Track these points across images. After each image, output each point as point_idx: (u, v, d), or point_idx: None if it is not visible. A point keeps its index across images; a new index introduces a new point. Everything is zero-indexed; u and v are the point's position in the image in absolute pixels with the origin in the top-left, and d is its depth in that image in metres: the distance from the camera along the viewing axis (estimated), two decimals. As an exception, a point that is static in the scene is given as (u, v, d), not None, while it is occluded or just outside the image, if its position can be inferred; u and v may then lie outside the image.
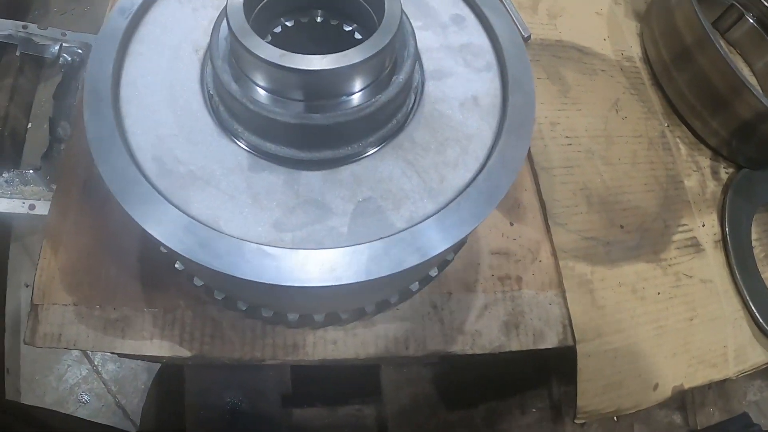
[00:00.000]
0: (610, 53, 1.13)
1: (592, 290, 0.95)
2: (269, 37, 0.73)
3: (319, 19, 0.74)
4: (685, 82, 1.12)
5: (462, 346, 0.86)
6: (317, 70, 0.58)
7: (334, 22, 0.74)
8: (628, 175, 1.03)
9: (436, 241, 0.62)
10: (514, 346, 0.88)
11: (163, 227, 0.59)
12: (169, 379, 1.23)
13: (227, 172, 0.64)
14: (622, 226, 1.00)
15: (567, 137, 1.01)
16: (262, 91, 0.62)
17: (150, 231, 0.59)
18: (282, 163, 0.65)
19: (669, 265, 1.01)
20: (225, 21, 0.62)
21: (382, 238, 0.62)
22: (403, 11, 0.63)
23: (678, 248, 1.03)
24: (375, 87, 0.64)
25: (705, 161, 1.13)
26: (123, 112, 0.67)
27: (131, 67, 0.70)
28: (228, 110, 0.66)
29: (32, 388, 1.31)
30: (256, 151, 0.65)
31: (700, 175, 1.10)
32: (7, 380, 1.30)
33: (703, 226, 1.06)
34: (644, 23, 1.19)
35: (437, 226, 0.63)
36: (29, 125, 1.40)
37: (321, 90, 0.61)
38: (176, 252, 0.58)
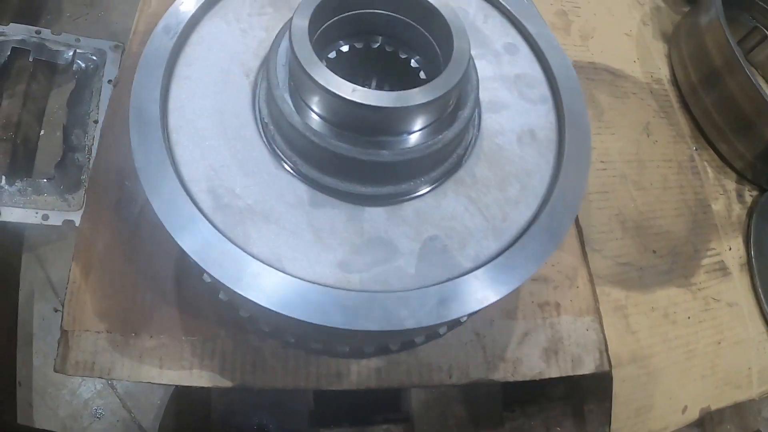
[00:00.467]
0: (640, 75, 1.12)
1: (627, 315, 0.94)
2: (324, 62, 0.70)
3: (375, 45, 0.71)
4: (712, 104, 1.11)
5: (504, 373, 0.85)
6: (391, 108, 0.55)
7: (389, 49, 0.71)
8: (659, 200, 1.02)
9: (503, 282, 0.61)
10: (554, 372, 0.87)
11: (226, 270, 0.56)
12: (188, 396, 1.20)
13: (288, 208, 0.61)
14: (654, 251, 0.99)
15: (602, 162, 1.00)
16: (326, 124, 0.59)
17: (213, 274, 0.55)
18: (343, 197, 0.63)
19: (698, 289, 1.01)
20: (288, 48, 0.60)
21: (450, 279, 0.60)
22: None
23: (707, 272, 1.03)
24: (441, 123, 0.62)
25: (731, 184, 1.13)
26: (173, 139, 0.63)
27: (179, 92, 0.67)
28: (286, 141, 0.63)
29: (45, 402, 1.27)
30: (316, 185, 0.63)
31: (727, 199, 1.10)
32: (19, 393, 1.25)
33: (730, 249, 1.06)
34: (672, 45, 1.19)
35: (504, 267, 0.62)
36: (42, 132, 1.34)
37: (390, 126, 0.59)
38: (241, 296, 0.55)
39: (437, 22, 0.62)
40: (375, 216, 0.62)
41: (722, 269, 1.05)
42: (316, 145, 0.59)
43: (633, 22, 1.19)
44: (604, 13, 1.18)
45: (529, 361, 0.87)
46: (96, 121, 1.31)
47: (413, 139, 0.61)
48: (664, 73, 1.16)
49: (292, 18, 0.58)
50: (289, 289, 0.56)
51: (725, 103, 1.09)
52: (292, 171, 0.63)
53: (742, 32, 1.31)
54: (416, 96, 0.56)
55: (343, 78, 0.57)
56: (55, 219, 1.27)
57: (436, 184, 0.66)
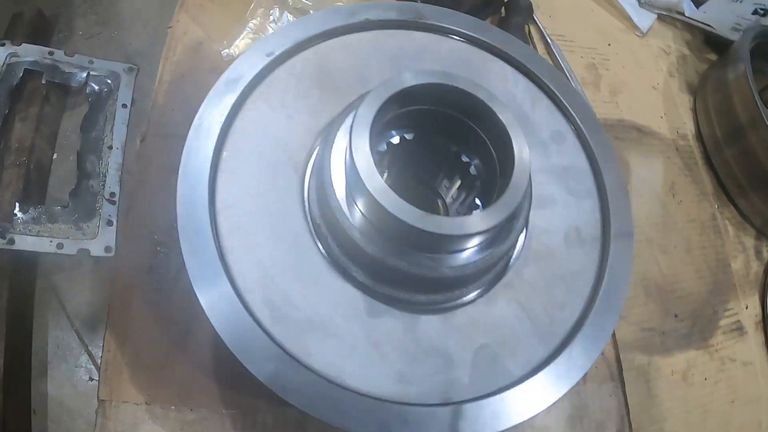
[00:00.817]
0: (667, 131, 1.13)
1: (648, 380, 0.97)
2: (375, 156, 0.69)
3: (425, 137, 0.70)
4: (733, 159, 1.12)
5: (531, 442, 0.87)
6: (456, 235, 0.55)
7: (439, 141, 0.71)
8: (682, 263, 1.04)
9: (551, 392, 0.62)
10: (578, 439, 0.89)
11: (288, 385, 0.56)
12: None
13: (346, 319, 0.61)
14: (676, 315, 1.01)
15: (631, 227, 1.01)
16: (388, 242, 0.59)
17: (276, 391, 0.56)
18: (399, 306, 0.63)
19: (716, 350, 1.04)
20: (348, 161, 0.59)
21: (502, 389, 0.61)
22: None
23: (724, 333, 1.05)
24: (497, 237, 0.62)
25: (750, 241, 1.14)
26: (225, 246, 0.62)
27: (226, 188, 0.66)
28: (342, 249, 0.63)
29: (60, 430, 1.27)
30: (372, 293, 0.63)
31: (745, 257, 1.12)
32: (34, 421, 1.26)
33: (747, 308, 1.08)
34: (698, 97, 1.19)
35: (553, 374, 0.63)
36: (54, 156, 1.32)
37: (450, 247, 0.59)
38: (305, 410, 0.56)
39: (497, 130, 0.62)
40: (429, 325, 0.63)
41: (738, 329, 1.07)
42: (374, 259, 0.59)
43: (660, 74, 1.19)
44: (632, 64, 1.18)
45: (557, 428, 0.89)
46: (110, 147, 1.29)
47: (470, 253, 0.61)
48: (689, 128, 1.16)
49: (351, 133, 0.57)
50: (351, 406, 0.57)
51: (746, 158, 1.10)
52: (347, 278, 0.63)
53: (763, 82, 1.31)
54: (479, 223, 0.56)
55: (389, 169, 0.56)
56: (70, 248, 1.26)
57: (487, 287, 0.66)
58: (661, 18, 1.27)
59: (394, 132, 0.70)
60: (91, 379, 1.26)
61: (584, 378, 0.94)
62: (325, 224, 0.64)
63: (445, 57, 0.76)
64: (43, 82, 1.29)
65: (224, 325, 0.58)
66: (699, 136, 1.17)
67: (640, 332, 0.98)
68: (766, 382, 1.07)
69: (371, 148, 0.56)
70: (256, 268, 0.62)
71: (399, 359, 0.60)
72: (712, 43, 1.29)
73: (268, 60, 0.71)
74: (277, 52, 0.72)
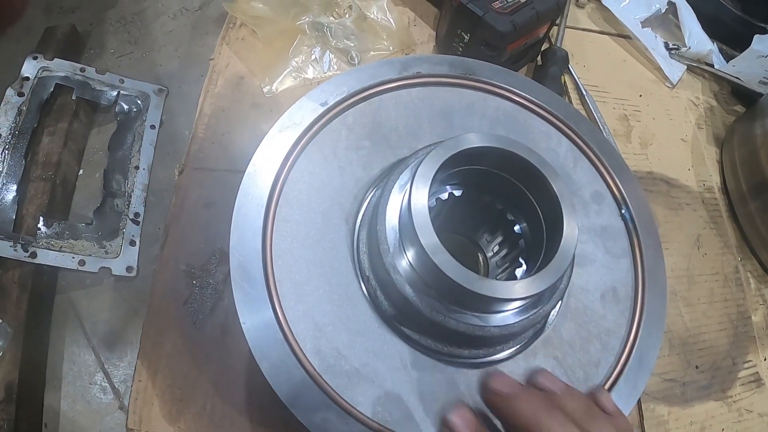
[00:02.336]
0: (694, 184, 1.17)
1: (668, 430, 1.00)
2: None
3: (473, 194, 0.75)
4: (757, 212, 1.16)
5: (553, 492, 0.90)
6: (508, 299, 0.59)
7: (486, 198, 0.75)
8: (705, 315, 1.08)
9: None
10: (598, 489, 0.93)
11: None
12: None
13: (392, 371, 0.65)
14: (697, 367, 1.05)
15: (657, 280, 1.05)
16: (437, 299, 0.63)
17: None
18: (443, 360, 0.67)
19: (733, 402, 1.08)
20: (403, 216, 0.62)
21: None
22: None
23: (742, 384, 1.09)
24: (542, 298, 0.66)
25: (769, 293, 1.19)
26: (278, 294, 0.66)
27: (280, 236, 0.69)
28: (391, 304, 0.66)
29: (72, 446, 1.29)
30: (418, 346, 0.67)
31: (766, 309, 1.16)
32: (45, 436, 1.27)
33: (765, 360, 1.13)
34: (725, 150, 1.24)
35: None
36: (80, 172, 1.36)
37: (500, 307, 0.63)
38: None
39: (549, 199, 0.66)
40: (471, 379, 0.67)
41: (756, 380, 1.11)
42: (424, 317, 0.63)
43: (688, 126, 1.24)
44: (663, 116, 1.23)
45: (577, 479, 0.92)
46: (137, 167, 1.33)
47: (516, 313, 0.65)
48: (715, 180, 1.21)
49: (411, 186, 0.61)
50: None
51: (769, 211, 1.15)
52: (394, 331, 0.67)
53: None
54: (528, 288, 0.59)
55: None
56: (92, 265, 1.29)
57: (526, 343, 0.70)
58: (690, 69, 1.32)
59: (447, 187, 0.75)
60: (101, 397, 1.28)
61: (607, 428, 0.98)
62: (374, 276, 0.67)
63: (492, 114, 0.81)
64: (74, 98, 1.33)
65: (274, 373, 0.62)
66: (724, 188, 1.21)
67: (662, 383, 1.02)
68: (782, 434, 1.11)
69: (429, 206, 0.61)
70: (307, 317, 0.65)
71: (442, 412, 0.64)
72: (739, 94, 1.34)
73: (322, 110, 0.76)
74: (331, 102, 0.76)
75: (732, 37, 1.32)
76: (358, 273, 0.69)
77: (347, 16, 1.08)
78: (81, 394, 1.37)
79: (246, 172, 0.71)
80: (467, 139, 0.64)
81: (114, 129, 1.38)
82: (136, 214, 1.33)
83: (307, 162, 0.74)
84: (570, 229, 0.63)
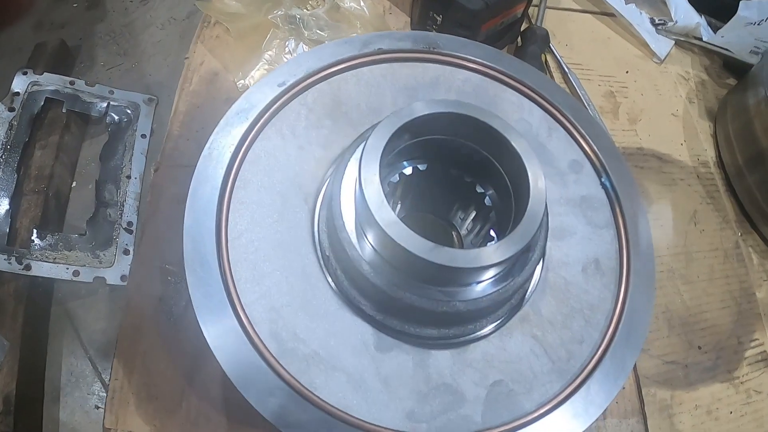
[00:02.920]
0: (687, 159, 1.10)
1: (671, 415, 0.92)
2: (386, 187, 0.68)
3: (439, 168, 0.69)
4: (756, 185, 1.08)
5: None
6: (469, 268, 0.53)
7: (453, 172, 0.69)
8: (706, 293, 1.00)
9: (569, 427, 0.59)
10: (598, 478, 0.85)
11: (292, 420, 0.54)
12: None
13: (354, 353, 0.59)
14: (699, 347, 0.97)
15: (652, 258, 0.98)
16: (397, 273, 0.57)
17: (278, 426, 0.54)
18: (409, 341, 0.61)
19: (741, 383, 0.99)
20: (357, 193, 0.57)
21: (516, 429, 0.58)
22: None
23: (749, 364, 1.01)
24: (512, 269, 0.59)
25: (774, 268, 1.10)
26: (232, 277, 0.61)
27: (236, 218, 0.64)
28: (351, 282, 0.61)
29: (70, 458, 1.25)
30: (381, 327, 0.61)
31: (770, 285, 1.08)
32: (44, 448, 1.23)
33: (772, 338, 1.04)
34: (718, 123, 1.16)
35: (569, 412, 0.60)
36: (73, 185, 1.33)
37: (463, 280, 0.57)
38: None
39: (514, 164, 0.60)
40: (441, 360, 0.60)
41: (764, 359, 1.03)
42: (384, 293, 0.57)
43: (679, 100, 1.17)
44: (651, 91, 1.16)
45: (575, 468, 0.85)
46: (129, 177, 1.30)
47: (483, 286, 0.59)
48: (710, 154, 1.13)
49: (360, 165, 0.56)
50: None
51: (769, 184, 1.07)
52: (356, 311, 0.61)
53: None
54: (492, 255, 0.54)
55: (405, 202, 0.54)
56: (86, 275, 1.26)
57: (501, 321, 0.64)
58: (678, 44, 1.25)
59: (406, 162, 0.69)
60: (99, 407, 1.25)
61: (604, 413, 0.90)
62: (334, 256, 0.62)
63: (460, 87, 0.75)
64: (64, 110, 1.31)
65: (228, 358, 0.57)
66: (720, 162, 1.13)
67: (663, 365, 0.94)
68: (794, 414, 1.01)
69: (381, 179, 0.55)
70: (263, 300, 0.60)
71: (408, 395, 0.58)
72: (731, 67, 1.26)
73: (279, 90, 0.71)
74: (290, 82, 0.71)
75: (720, 10, 1.24)
76: (319, 253, 0.64)
77: (320, 7, 1.03)
78: (80, 405, 1.33)
79: (201, 155, 0.66)
80: (417, 107, 0.58)
81: (105, 140, 1.35)
82: (129, 223, 1.29)
83: (265, 143, 0.69)
84: (536, 190, 0.57)
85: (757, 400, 1.00)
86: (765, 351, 1.03)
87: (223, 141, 0.67)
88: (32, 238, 1.23)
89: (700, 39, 1.24)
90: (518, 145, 0.57)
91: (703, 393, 0.96)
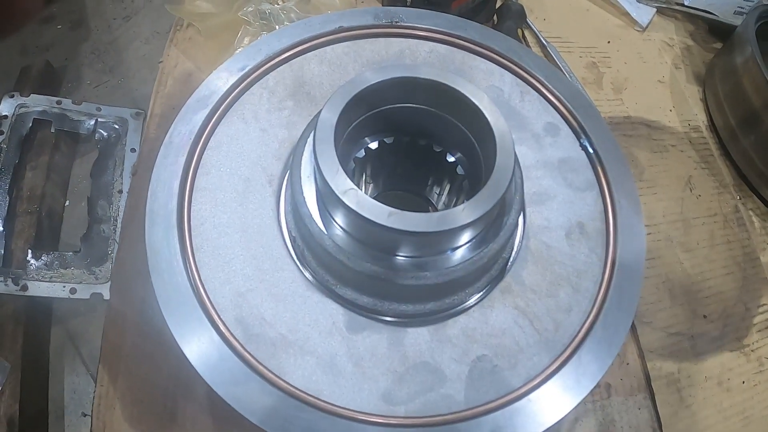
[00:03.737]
0: (678, 125, 1.04)
1: (680, 389, 0.86)
2: (353, 164, 0.64)
3: (406, 139, 0.64)
4: (752, 148, 1.03)
5: (555, 465, 0.77)
6: (432, 233, 0.48)
7: (422, 142, 0.65)
8: (707, 260, 0.94)
9: (559, 405, 0.54)
10: (607, 458, 0.79)
11: (256, 407, 0.50)
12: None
13: (324, 335, 0.55)
14: (705, 316, 0.91)
15: (646, 226, 0.92)
16: (360, 246, 0.53)
17: (243, 413, 0.50)
18: (382, 319, 0.56)
19: (751, 351, 0.93)
20: (312, 162, 0.53)
21: (502, 406, 0.53)
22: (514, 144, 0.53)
23: (759, 330, 0.94)
24: (485, 234, 0.55)
25: (777, 231, 1.03)
26: (196, 264, 0.57)
27: (199, 205, 0.61)
28: (317, 260, 0.56)
29: (73, 475, 1.21)
30: (352, 306, 0.56)
31: (775, 248, 1.01)
32: (50, 466, 1.20)
33: (782, 302, 0.97)
34: (707, 87, 1.10)
35: (560, 385, 0.55)
36: (66, 203, 1.30)
37: (431, 247, 0.52)
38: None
39: (476, 120, 0.55)
40: (418, 338, 0.55)
41: (775, 326, 0.96)
42: (351, 269, 0.53)
43: (665, 67, 1.11)
44: (635, 60, 1.10)
45: (581, 449, 0.79)
46: (120, 192, 1.27)
47: (456, 255, 0.54)
48: (701, 119, 1.08)
49: (314, 135, 0.52)
50: (331, 430, 0.50)
51: (766, 145, 1.01)
52: (325, 291, 0.56)
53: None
54: (459, 216, 0.49)
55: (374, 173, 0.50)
56: (83, 292, 1.23)
57: (482, 293, 0.59)
58: (660, 11, 1.19)
59: (371, 138, 0.65)
60: (86, 414, 1.21)
61: (609, 390, 0.84)
62: (300, 236, 0.58)
63: (426, 58, 0.71)
64: (52, 130, 1.29)
65: (192, 347, 0.52)
66: (712, 126, 1.07)
67: (667, 338, 0.88)
68: (811, 381, 0.94)
69: (338, 150, 0.51)
70: (228, 285, 0.56)
71: (384, 376, 0.53)
72: (716, 31, 1.20)
73: (240, 74, 0.67)
74: (249, 66, 0.68)
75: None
76: (284, 235, 0.59)
77: (290, 0, 1.00)
78: (85, 423, 1.30)
79: (162, 144, 0.63)
80: (367, 77, 0.54)
81: (96, 157, 1.33)
82: (120, 241, 1.27)
83: (226, 128, 0.65)
84: (502, 140, 0.52)
85: (771, 367, 0.93)
86: (775, 317, 0.97)
87: (184, 129, 0.63)
88: (27, 258, 1.21)
89: (683, 4, 1.18)
90: (476, 98, 0.52)
91: (713, 364, 0.90)
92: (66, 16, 1.43)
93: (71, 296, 1.21)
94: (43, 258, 1.22)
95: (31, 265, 1.22)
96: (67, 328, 1.31)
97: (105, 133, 1.33)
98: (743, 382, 0.90)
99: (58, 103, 1.30)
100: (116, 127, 1.32)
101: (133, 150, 1.33)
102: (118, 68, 1.37)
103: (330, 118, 0.52)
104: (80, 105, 1.31)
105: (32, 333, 1.24)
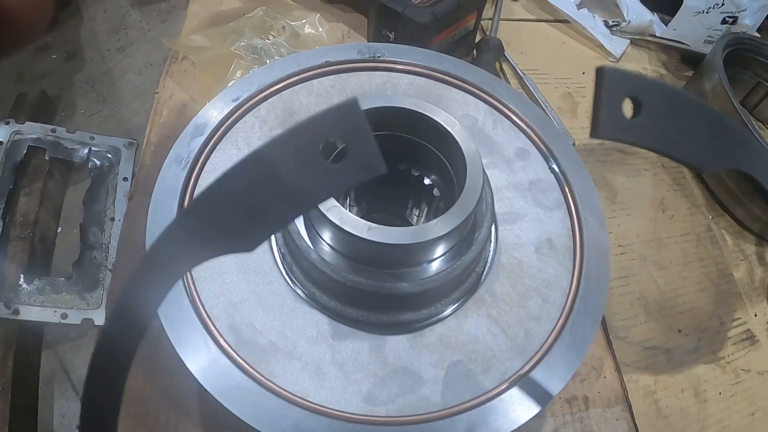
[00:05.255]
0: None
1: (657, 400, 0.92)
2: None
3: (386, 164, 0.72)
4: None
5: (534, 476, 0.83)
6: (409, 245, 0.56)
7: (402, 167, 0.73)
8: (681, 276, 1.02)
9: (530, 403, 0.60)
10: (586, 470, 0.85)
11: (248, 407, 0.56)
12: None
13: (310, 342, 0.61)
14: (680, 330, 0.98)
15: (620, 246, 1.00)
16: (344, 259, 0.60)
17: (235, 412, 0.56)
18: (364, 328, 0.63)
19: (727, 363, 0.99)
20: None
21: (476, 406, 0.59)
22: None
23: (734, 343, 1.01)
24: (458, 248, 0.62)
25: (750, 248, 1.11)
26: (192, 276, 0.64)
27: (197, 223, 0.68)
28: (304, 273, 0.64)
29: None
30: (336, 316, 0.63)
31: (748, 264, 1.09)
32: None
33: (756, 316, 1.04)
34: (679, 114, 1.19)
35: (530, 388, 0.61)
36: (59, 230, 1.37)
37: (408, 259, 0.60)
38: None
39: (449, 145, 0.63)
40: (398, 345, 0.62)
41: (750, 338, 1.03)
42: (334, 280, 0.60)
43: (638, 94, 1.21)
44: (609, 88, 1.20)
45: (561, 460, 0.85)
46: (112, 219, 1.34)
47: (432, 267, 0.61)
48: (673, 143, 1.16)
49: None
50: (317, 427, 0.56)
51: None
52: (311, 303, 0.63)
53: (745, 89, 1.32)
54: (433, 230, 0.56)
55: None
56: (74, 318, 1.28)
57: (457, 305, 0.66)
58: (634, 42, 1.30)
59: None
60: None
61: (587, 403, 0.91)
62: (288, 252, 0.65)
63: (405, 90, 0.79)
64: (47, 158, 1.36)
65: (187, 350, 0.59)
66: (685, 150, 1.16)
67: (643, 352, 0.94)
68: (787, 390, 1.01)
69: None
70: (222, 295, 0.63)
71: (366, 380, 0.60)
72: (688, 60, 1.31)
73: (234, 105, 0.75)
74: (243, 97, 0.76)
75: (671, 6, 1.29)
76: (273, 251, 0.67)
77: (281, 36, 1.09)
78: (74, 447, 1.34)
79: (162, 168, 0.70)
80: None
81: (88, 185, 1.41)
82: (115, 265, 1.33)
83: (221, 154, 0.73)
84: (472, 161, 0.60)
85: (746, 378, 1.00)
86: (749, 329, 1.04)
87: (182, 154, 0.71)
88: (20, 282, 1.27)
89: (655, 35, 1.29)
90: (448, 125, 0.61)
91: (688, 375, 0.96)
92: (61, 47, 1.53)
93: (62, 321, 1.26)
94: (35, 283, 1.28)
95: (23, 289, 1.28)
96: (57, 352, 1.36)
97: (98, 162, 1.40)
98: (720, 393, 0.97)
99: (53, 131, 1.38)
100: (109, 156, 1.40)
101: (125, 179, 1.41)
102: (112, 98, 1.46)
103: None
104: (74, 134, 1.39)
105: (23, 357, 1.29)
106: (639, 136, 0.32)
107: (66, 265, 1.38)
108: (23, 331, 1.31)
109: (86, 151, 1.41)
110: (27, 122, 1.38)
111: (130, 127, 1.42)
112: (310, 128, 0.34)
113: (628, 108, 0.31)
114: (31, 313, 1.27)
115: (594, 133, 0.32)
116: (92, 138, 1.40)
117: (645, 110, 0.31)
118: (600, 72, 0.34)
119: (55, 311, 1.28)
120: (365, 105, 0.62)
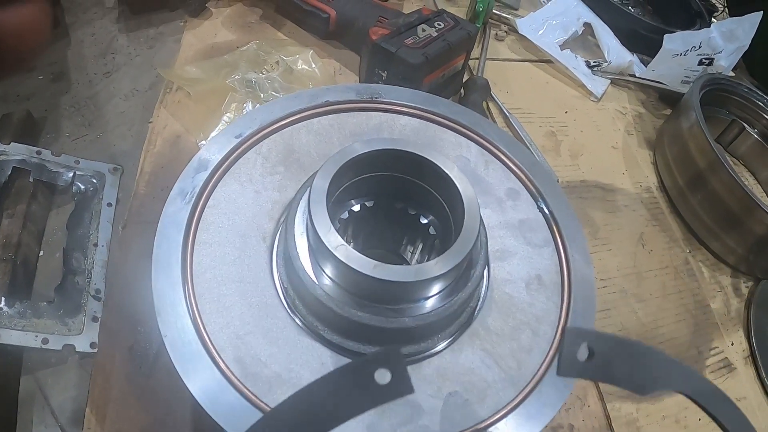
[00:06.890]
0: (630, 187, 1.21)
1: (639, 428, 0.99)
2: (338, 224, 0.77)
3: (385, 203, 0.78)
4: (699, 205, 1.19)
5: (522, 505, 0.87)
6: (411, 282, 0.61)
7: (399, 206, 0.78)
8: (660, 308, 1.09)
9: (525, 427, 0.66)
10: (572, 498, 0.90)
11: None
12: None
13: (314, 374, 0.66)
14: (659, 361, 1.04)
15: (602, 280, 1.07)
16: (347, 295, 0.65)
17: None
18: (366, 360, 0.67)
19: (705, 393, 1.06)
20: (306, 221, 0.65)
21: (472, 436, 0.64)
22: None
23: (712, 372, 1.08)
24: (455, 285, 0.68)
25: (726, 279, 1.20)
26: (198, 309, 0.68)
27: (200, 258, 0.72)
28: (307, 308, 0.68)
29: None
30: (339, 349, 0.68)
31: (724, 295, 1.17)
32: None
33: (732, 344, 1.12)
34: (657, 151, 1.28)
35: (524, 414, 0.67)
36: (41, 253, 1.39)
37: (409, 296, 0.65)
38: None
39: (447, 187, 0.69)
40: (397, 377, 0.67)
41: (727, 366, 1.10)
42: (337, 315, 0.65)
43: (618, 133, 1.30)
44: (590, 128, 1.28)
45: (548, 488, 0.90)
46: (95, 244, 1.36)
47: (430, 303, 0.66)
48: (652, 180, 1.25)
49: (309, 198, 0.64)
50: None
51: (712, 202, 1.17)
52: (314, 336, 0.68)
53: (721, 127, 1.42)
54: (433, 269, 0.62)
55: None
56: (55, 343, 1.29)
57: (452, 338, 0.71)
58: (614, 82, 1.39)
59: (354, 201, 0.78)
60: None
61: (572, 430, 0.96)
62: (291, 286, 0.70)
63: (401, 131, 0.85)
64: (31, 180, 1.38)
65: (195, 381, 0.63)
66: (662, 187, 1.25)
67: (625, 381, 1.01)
68: (763, 414, 1.08)
69: (330, 212, 0.64)
70: (228, 328, 0.67)
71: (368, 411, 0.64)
72: (666, 99, 1.41)
73: (236, 141, 0.80)
74: (245, 134, 0.81)
75: (650, 47, 1.39)
76: (277, 286, 0.71)
77: (275, 71, 1.15)
78: (52, 475, 1.34)
79: (166, 201, 0.75)
80: (356, 147, 0.68)
81: (72, 209, 1.42)
82: (97, 291, 1.34)
83: (224, 189, 0.78)
84: (470, 206, 0.66)
85: (724, 408, 1.07)
86: (726, 358, 1.11)
87: (186, 188, 0.76)
88: (1, 305, 1.28)
89: (634, 76, 1.38)
90: (447, 168, 0.67)
91: (669, 403, 1.03)
92: (47, 68, 1.55)
93: (43, 346, 1.27)
94: (16, 306, 1.29)
95: (3, 312, 1.28)
96: (36, 378, 1.37)
97: (82, 186, 1.42)
98: (699, 419, 1.04)
99: (38, 153, 1.40)
100: (94, 181, 1.42)
101: (109, 204, 1.43)
102: (97, 123, 1.49)
103: (323, 183, 0.66)
104: (59, 157, 1.41)
105: (1, 380, 1.30)
106: (592, 373, 0.45)
107: (47, 290, 1.39)
108: (2, 355, 1.32)
109: (71, 174, 1.43)
110: (12, 143, 1.40)
111: (115, 152, 1.45)
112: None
113: (583, 353, 0.44)
114: (11, 337, 1.27)
115: (559, 372, 0.46)
116: (77, 162, 1.42)
117: (597, 355, 0.45)
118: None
119: (36, 336, 1.28)
120: (370, 147, 0.68)
